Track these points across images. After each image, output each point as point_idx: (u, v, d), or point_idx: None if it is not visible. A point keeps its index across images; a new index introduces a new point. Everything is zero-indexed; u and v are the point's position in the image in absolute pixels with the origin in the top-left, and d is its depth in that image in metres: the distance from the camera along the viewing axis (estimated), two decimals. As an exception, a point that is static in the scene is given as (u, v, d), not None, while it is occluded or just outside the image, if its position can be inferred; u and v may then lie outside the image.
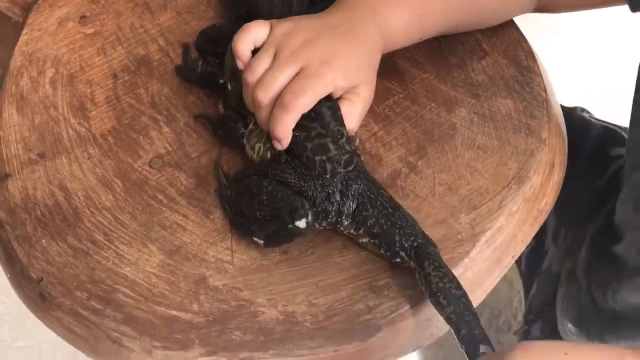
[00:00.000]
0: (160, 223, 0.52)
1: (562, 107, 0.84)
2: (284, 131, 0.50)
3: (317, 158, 0.50)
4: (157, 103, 0.59)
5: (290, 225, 0.49)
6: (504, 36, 0.63)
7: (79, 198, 0.53)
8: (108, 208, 0.53)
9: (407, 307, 0.49)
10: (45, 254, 0.51)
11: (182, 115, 0.59)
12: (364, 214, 0.50)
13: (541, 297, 0.81)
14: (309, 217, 0.49)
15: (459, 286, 0.47)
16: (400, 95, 0.60)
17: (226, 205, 0.53)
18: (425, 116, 0.59)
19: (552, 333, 0.79)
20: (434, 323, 0.49)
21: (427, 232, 0.51)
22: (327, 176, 0.49)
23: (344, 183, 0.50)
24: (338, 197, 0.50)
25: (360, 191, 0.51)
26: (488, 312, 1.19)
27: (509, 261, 0.53)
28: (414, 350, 0.50)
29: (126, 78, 0.61)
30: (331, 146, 0.50)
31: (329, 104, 0.52)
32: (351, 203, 0.50)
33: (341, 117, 0.52)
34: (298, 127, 0.51)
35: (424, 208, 0.53)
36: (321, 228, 0.51)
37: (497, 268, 0.52)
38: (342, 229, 0.51)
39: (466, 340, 0.46)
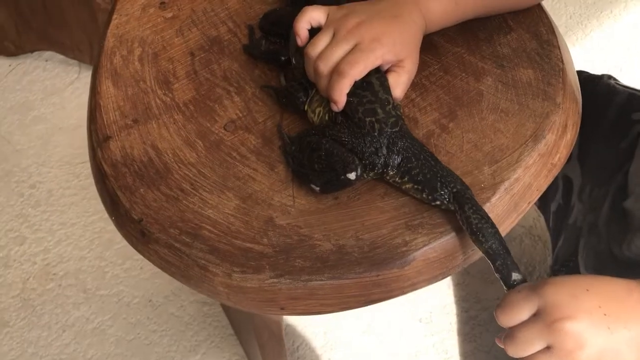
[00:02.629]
0: (235, 175, 0.61)
1: (590, 75, 0.88)
2: (340, 94, 0.58)
3: (368, 119, 0.57)
4: (228, 77, 0.67)
5: (342, 177, 0.57)
6: (528, 13, 0.69)
7: (168, 155, 0.62)
8: (192, 163, 0.61)
9: (436, 242, 0.56)
10: (143, 199, 0.59)
11: (249, 86, 0.67)
12: (409, 165, 0.57)
13: (566, 249, 0.85)
14: (358, 171, 0.57)
15: (493, 225, 0.54)
16: (435, 67, 0.67)
17: (289, 159, 0.61)
18: (456, 85, 0.66)
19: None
20: (459, 256, 0.57)
21: (454, 182, 0.57)
22: (376, 134, 0.57)
23: (391, 140, 0.58)
24: (385, 151, 0.57)
25: (405, 147, 0.58)
26: (523, 268, 1.26)
27: (525, 207, 0.60)
28: (442, 279, 0.57)
29: (202, 55, 0.69)
30: (379, 110, 0.58)
31: (378, 76, 0.60)
32: (396, 157, 0.57)
33: (388, 87, 0.60)
34: (352, 94, 0.58)
35: (453, 162, 0.60)
36: (369, 178, 0.59)
37: (514, 212, 0.59)
38: (388, 178, 0.58)
39: (501, 269, 0.53)
